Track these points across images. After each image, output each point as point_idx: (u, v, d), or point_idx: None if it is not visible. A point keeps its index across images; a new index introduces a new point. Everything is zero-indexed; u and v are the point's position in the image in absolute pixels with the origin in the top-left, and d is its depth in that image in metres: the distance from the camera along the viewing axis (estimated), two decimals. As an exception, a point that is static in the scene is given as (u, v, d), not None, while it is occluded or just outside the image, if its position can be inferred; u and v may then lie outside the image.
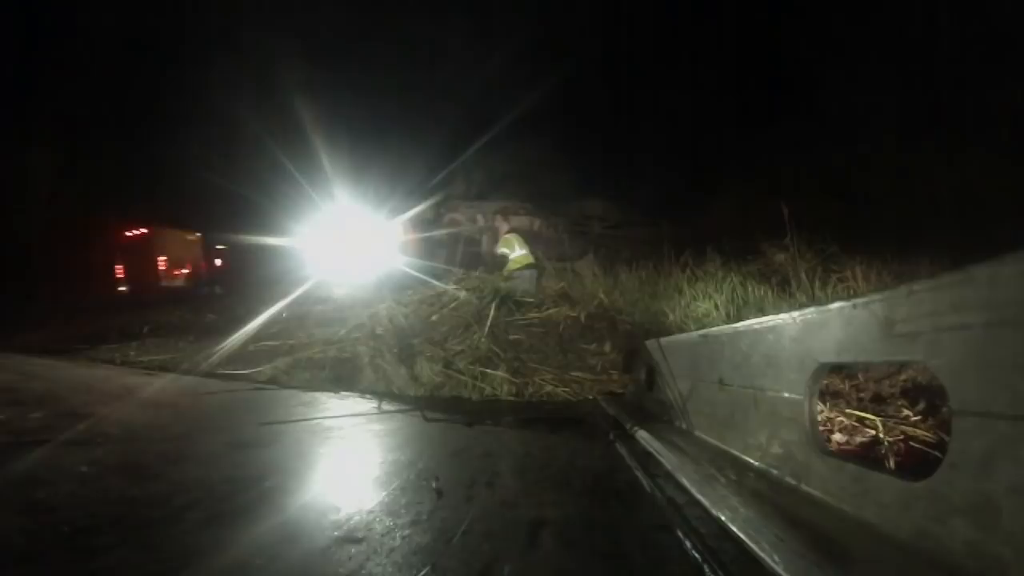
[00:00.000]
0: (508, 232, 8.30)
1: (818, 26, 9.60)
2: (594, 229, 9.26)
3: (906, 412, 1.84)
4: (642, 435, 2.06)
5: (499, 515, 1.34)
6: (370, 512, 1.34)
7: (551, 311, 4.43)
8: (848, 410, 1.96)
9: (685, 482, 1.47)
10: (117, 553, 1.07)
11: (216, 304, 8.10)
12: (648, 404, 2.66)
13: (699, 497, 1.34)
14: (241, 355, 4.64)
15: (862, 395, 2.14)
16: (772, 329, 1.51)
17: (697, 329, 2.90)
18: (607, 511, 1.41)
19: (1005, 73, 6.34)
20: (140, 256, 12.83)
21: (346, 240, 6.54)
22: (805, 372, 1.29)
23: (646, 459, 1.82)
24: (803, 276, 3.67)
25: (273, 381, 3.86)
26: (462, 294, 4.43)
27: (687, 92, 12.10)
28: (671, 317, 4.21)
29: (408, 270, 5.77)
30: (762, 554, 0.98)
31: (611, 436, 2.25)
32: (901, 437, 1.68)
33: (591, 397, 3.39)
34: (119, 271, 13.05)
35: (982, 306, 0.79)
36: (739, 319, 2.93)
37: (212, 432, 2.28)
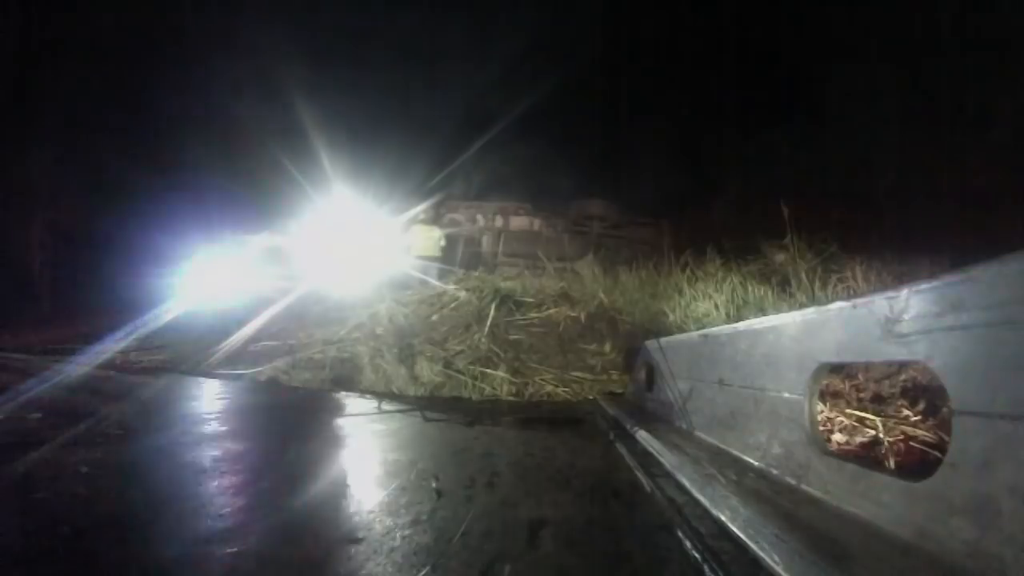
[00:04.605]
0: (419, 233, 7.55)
1: (818, 25, 9.60)
2: (594, 229, 9.26)
3: (906, 412, 1.84)
4: (642, 435, 2.06)
5: (499, 515, 1.34)
6: (370, 512, 1.34)
7: (551, 311, 4.43)
8: (848, 410, 1.95)
9: (685, 482, 1.47)
10: (117, 553, 1.07)
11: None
12: (648, 404, 2.66)
13: (699, 497, 1.34)
14: (241, 355, 4.65)
15: (862, 395, 2.13)
16: (772, 329, 1.51)
17: (697, 329, 2.90)
18: (607, 511, 1.41)
19: (1006, 72, 6.33)
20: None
21: (344, 241, 6.36)
22: (805, 372, 1.29)
23: (646, 459, 1.82)
24: (803, 276, 3.67)
25: (273, 381, 3.87)
26: (462, 294, 4.44)
27: (688, 92, 12.11)
28: (671, 317, 4.21)
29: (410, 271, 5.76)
30: (762, 554, 0.98)
31: (611, 436, 2.25)
32: (901, 437, 1.68)
33: (591, 397, 3.39)
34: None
35: (982, 306, 0.79)
36: (739, 319, 2.93)
37: (210, 433, 2.28)
